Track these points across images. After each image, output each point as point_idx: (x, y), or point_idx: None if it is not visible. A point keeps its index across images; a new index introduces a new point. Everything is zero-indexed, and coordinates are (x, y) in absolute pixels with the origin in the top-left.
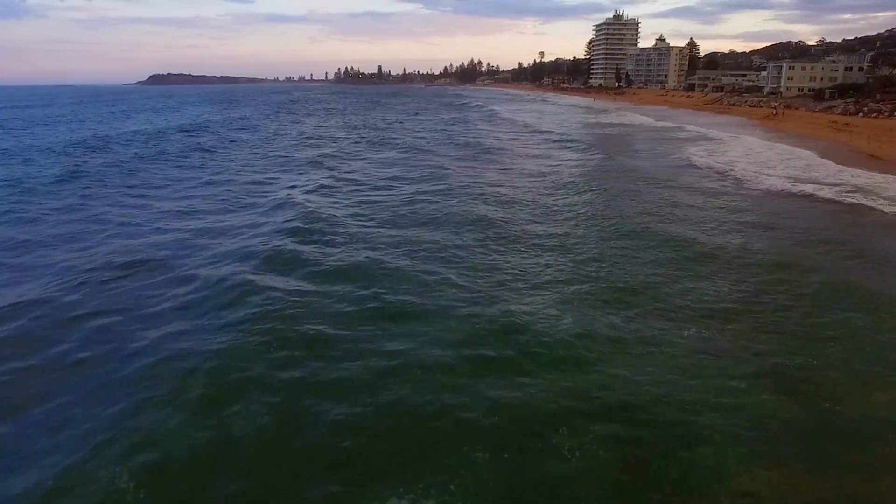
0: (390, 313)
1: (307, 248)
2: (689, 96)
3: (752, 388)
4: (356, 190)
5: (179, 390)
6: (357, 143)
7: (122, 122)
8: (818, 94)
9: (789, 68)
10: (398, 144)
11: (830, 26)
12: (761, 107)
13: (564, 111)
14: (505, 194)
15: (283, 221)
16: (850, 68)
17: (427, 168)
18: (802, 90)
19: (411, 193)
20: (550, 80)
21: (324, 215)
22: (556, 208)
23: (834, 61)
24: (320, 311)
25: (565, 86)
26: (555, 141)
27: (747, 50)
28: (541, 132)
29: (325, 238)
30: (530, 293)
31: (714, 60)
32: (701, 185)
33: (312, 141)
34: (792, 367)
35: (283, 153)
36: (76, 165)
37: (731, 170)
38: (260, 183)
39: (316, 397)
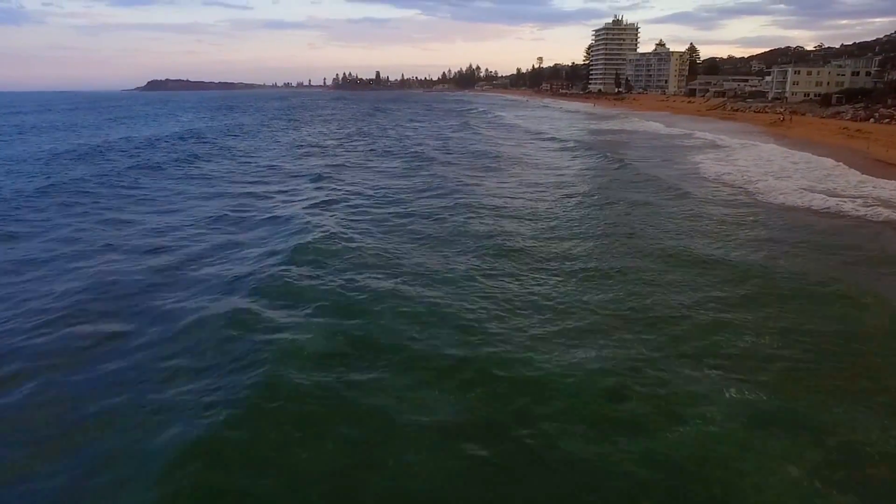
0: (387, 357)
1: (307, 277)
2: (690, 101)
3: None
4: (362, 206)
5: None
6: (361, 152)
7: (114, 129)
8: (825, 100)
9: (795, 73)
10: (405, 153)
11: (827, 32)
12: (766, 112)
13: (568, 117)
14: (519, 208)
15: (281, 242)
16: (858, 73)
17: (437, 180)
18: (808, 95)
19: (423, 210)
20: (549, 85)
21: (328, 236)
22: (573, 224)
23: (840, 66)
24: (313, 356)
25: (564, 91)
26: (567, 149)
27: (745, 55)
28: (550, 139)
29: (330, 264)
30: (551, 333)
31: (714, 66)
32: (716, 196)
33: (314, 150)
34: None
35: (282, 163)
36: (56, 177)
37: (746, 180)
38: (257, 196)
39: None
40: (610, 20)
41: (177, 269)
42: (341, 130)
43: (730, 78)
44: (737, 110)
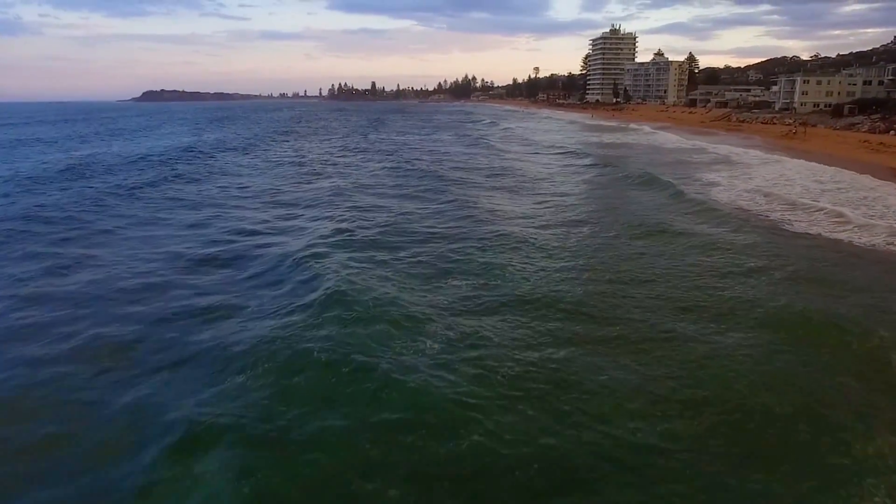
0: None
1: (323, 337)
2: (691, 112)
3: None
4: (381, 239)
5: None
6: (370, 169)
7: (100, 144)
8: (837, 110)
9: (803, 82)
10: (418, 171)
11: (822, 42)
12: (774, 124)
13: (573, 129)
14: (550, 239)
15: (285, 300)
16: (870, 82)
17: (460, 205)
18: (818, 106)
19: (449, 244)
20: (545, 95)
21: (349, 280)
22: (603, 261)
23: (851, 75)
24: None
25: (561, 101)
26: (584, 165)
27: (741, 65)
28: (569, 153)
29: (351, 317)
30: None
31: (715, 75)
32: (742, 223)
33: (320, 167)
34: None
35: (283, 185)
36: (17, 204)
37: (774, 203)
38: (255, 230)
39: None
40: (605, 30)
41: (136, 347)
42: (345, 145)
43: (731, 88)
44: (743, 121)
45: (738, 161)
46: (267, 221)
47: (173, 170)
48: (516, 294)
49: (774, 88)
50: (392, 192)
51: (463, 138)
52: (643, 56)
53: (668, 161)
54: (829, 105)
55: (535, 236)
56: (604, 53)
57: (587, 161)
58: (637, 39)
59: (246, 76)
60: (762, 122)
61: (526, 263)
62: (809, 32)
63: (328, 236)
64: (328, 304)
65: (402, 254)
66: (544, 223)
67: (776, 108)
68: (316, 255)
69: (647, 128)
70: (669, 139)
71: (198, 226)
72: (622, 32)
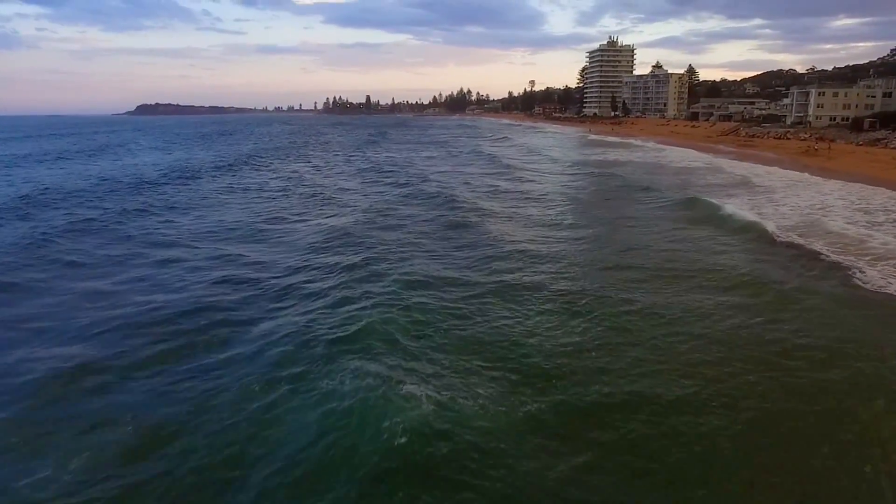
0: None
1: None
2: (694, 126)
3: None
4: (417, 341)
5: None
6: (382, 193)
7: (82, 163)
8: (856, 124)
9: (819, 94)
10: (436, 197)
11: (813, 56)
12: (788, 139)
13: (575, 145)
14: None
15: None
16: (890, 94)
17: (501, 245)
18: (834, 119)
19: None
20: (541, 109)
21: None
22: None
23: (870, 86)
24: None
25: (557, 115)
26: (622, 186)
27: (735, 78)
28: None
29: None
30: None
31: (716, 88)
32: (779, 267)
33: (326, 194)
34: None
35: (286, 216)
36: None
37: (823, 240)
38: (248, 296)
39: None
40: (603, 43)
41: None
42: (349, 164)
43: (735, 101)
44: (753, 136)
45: (761, 183)
46: (247, 286)
47: (161, 198)
48: None
49: (785, 101)
50: (415, 233)
51: (478, 157)
52: (639, 70)
53: (691, 183)
54: (847, 119)
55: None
56: (601, 66)
57: (618, 182)
58: (635, 52)
59: (241, 90)
60: (775, 138)
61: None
62: (801, 46)
63: (350, 300)
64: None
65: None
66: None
67: (788, 122)
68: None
69: (651, 143)
70: (679, 156)
71: (171, 289)
72: (620, 45)
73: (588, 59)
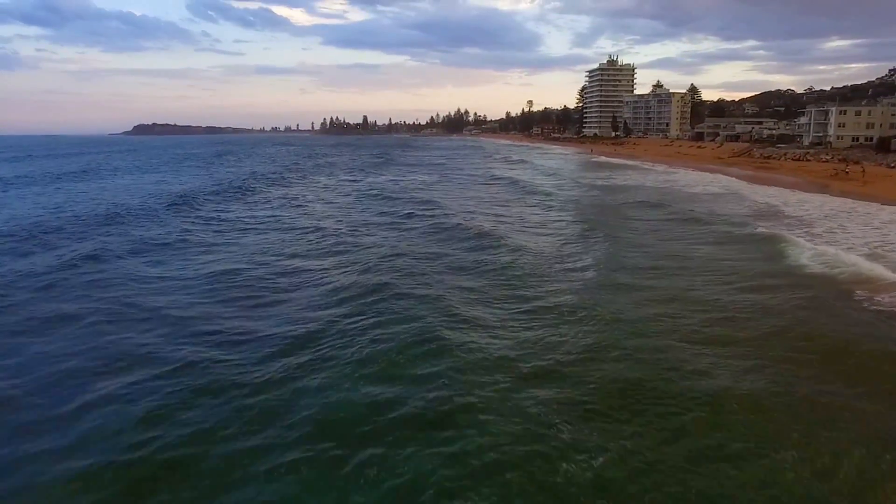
0: None
1: None
2: (700, 147)
3: None
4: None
5: None
6: (408, 236)
7: (63, 189)
8: (882, 144)
9: (840, 113)
10: (464, 230)
11: (807, 77)
12: (809, 160)
13: (581, 166)
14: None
15: None
16: None
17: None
18: (857, 139)
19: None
20: (540, 129)
21: None
22: None
23: (895, 104)
24: None
25: (556, 136)
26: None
27: (731, 99)
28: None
29: None
30: None
31: (721, 108)
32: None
33: (336, 229)
34: None
35: (298, 265)
36: None
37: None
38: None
39: None
40: (597, 65)
41: None
42: (356, 188)
43: (741, 120)
44: (769, 158)
45: (795, 213)
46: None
47: (140, 240)
48: None
49: (801, 120)
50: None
51: (496, 181)
52: (638, 90)
53: (716, 213)
54: (870, 139)
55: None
56: (601, 85)
57: (657, 214)
58: (635, 71)
59: (239, 110)
60: (794, 159)
61: None
62: (795, 67)
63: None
64: None
65: None
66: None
67: (804, 143)
68: None
69: (660, 166)
70: (693, 180)
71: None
72: (620, 64)
73: (588, 79)
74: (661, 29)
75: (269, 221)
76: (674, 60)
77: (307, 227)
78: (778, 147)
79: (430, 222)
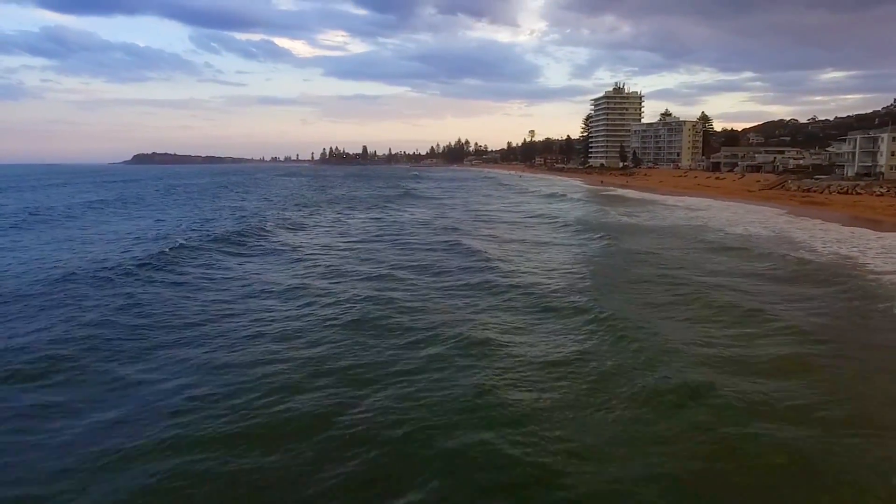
0: None
1: None
2: (719, 178)
3: None
4: None
5: None
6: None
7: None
8: None
9: (893, 140)
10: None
11: (804, 107)
12: (859, 193)
13: (596, 200)
14: None
15: None
16: None
17: None
18: None
19: None
20: (543, 160)
21: None
22: None
23: None
24: None
25: (560, 166)
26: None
27: (729, 128)
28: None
29: None
30: None
31: (735, 137)
32: None
33: (372, 295)
34: None
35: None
36: None
37: None
38: None
39: None
40: (602, 93)
41: None
42: (384, 233)
43: (761, 150)
44: (808, 190)
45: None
46: None
47: (115, 308)
48: None
49: (845, 148)
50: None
51: (533, 219)
52: (643, 120)
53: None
54: None
55: None
56: (607, 114)
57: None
58: (643, 99)
59: (240, 140)
60: (841, 192)
61: None
62: (791, 98)
63: None
64: None
65: None
66: None
67: (848, 173)
68: None
69: (682, 201)
70: (727, 219)
71: None
72: (627, 92)
73: (593, 107)
74: (658, 61)
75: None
76: (672, 91)
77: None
78: (817, 179)
79: (483, 277)
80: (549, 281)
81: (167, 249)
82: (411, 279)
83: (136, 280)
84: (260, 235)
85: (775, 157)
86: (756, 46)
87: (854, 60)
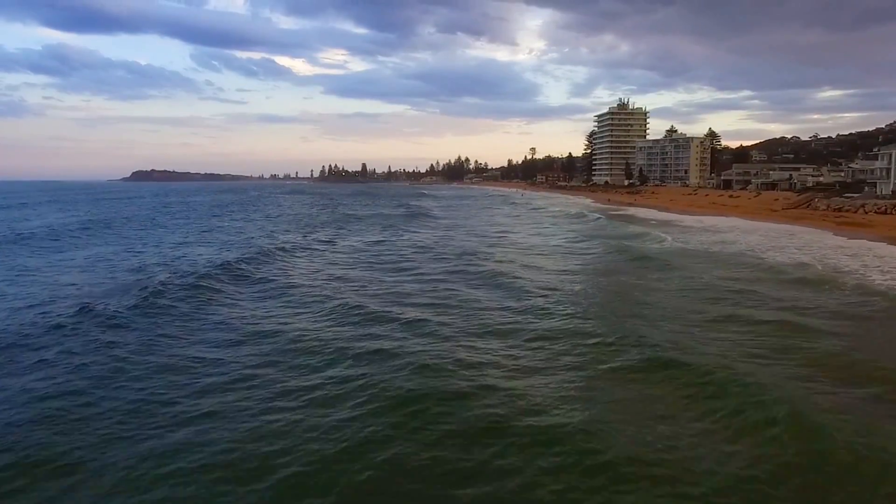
0: None
1: None
2: (732, 196)
3: None
4: None
5: None
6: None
7: None
8: None
9: None
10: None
11: (801, 125)
12: None
13: (620, 226)
14: None
15: None
16: None
17: None
18: None
19: None
20: (544, 177)
21: None
22: None
23: None
24: None
25: (562, 184)
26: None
27: (728, 146)
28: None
29: None
30: None
31: (745, 154)
32: None
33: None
34: None
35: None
36: None
37: None
38: None
39: None
40: (610, 107)
41: None
42: (412, 263)
43: (775, 167)
44: (840, 210)
45: None
46: None
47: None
48: None
49: (878, 164)
50: None
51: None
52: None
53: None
54: None
55: None
56: (612, 130)
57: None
58: (648, 115)
59: (239, 158)
60: (879, 212)
61: None
62: (789, 116)
63: None
64: None
65: None
66: None
67: (881, 191)
68: None
69: (702, 221)
70: (758, 243)
71: None
72: (632, 107)
73: (597, 124)
74: (656, 79)
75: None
76: (670, 110)
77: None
78: (847, 197)
79: (550, 324)
80: (624, 327)
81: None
82: (465, 330)
83: (100, 329)
84: (274, 262)
85: (791, 175)
86: (754, 65)
87: (851, 79)
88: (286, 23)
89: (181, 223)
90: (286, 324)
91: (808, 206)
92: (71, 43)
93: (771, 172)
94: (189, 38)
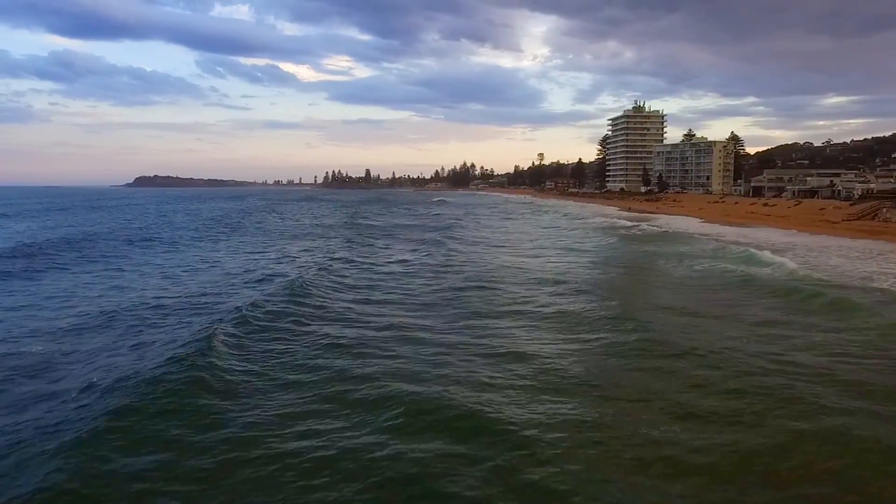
0: None
1: None
2: (765, 204)
3: None
4: None
5: None
6: None
7: None
8: None
9: None
10: None
11: (807, 132)
12: None
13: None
14: None
15: None
16: None
17: None
18: None
19: None
20: (553, 184)
21: None
22: None
23: None
24: None
25: (573, 191)
26: None
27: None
28: None
29: None
30: None
31: (769, 159)
32: None
33: None
34: None
35: None
36: None
37: None
38: None
39: None
40: (625, 109)
41: None
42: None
43: (813, 173)
44: None
45: None
46: None
47: None
48: None
49: None
50: None
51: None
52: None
53: None
54: None
55: None
56: (627, 134)
57: None
58: (665, 118)
59: (243, 163)
60: None
61: None
62: (794, 123)
63: None
64: None
65: None
66: None
67: None
68: None
69: (745, 236)
70: (863, 275)
71: None
72: (648, 110)
73: (611, 128)
74: (661, 86)
75: None
76: (675, 116)
77: None
78: None
79: None
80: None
81: None
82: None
83: None
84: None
85: (832, 181)
86: (758, 72)
87: (856, 86)
88: (291, 29)
89: (172, 252)
90: None
91: (873, 218)
92: (77, 49)
93: (808, 178)
94: (194, 44)
